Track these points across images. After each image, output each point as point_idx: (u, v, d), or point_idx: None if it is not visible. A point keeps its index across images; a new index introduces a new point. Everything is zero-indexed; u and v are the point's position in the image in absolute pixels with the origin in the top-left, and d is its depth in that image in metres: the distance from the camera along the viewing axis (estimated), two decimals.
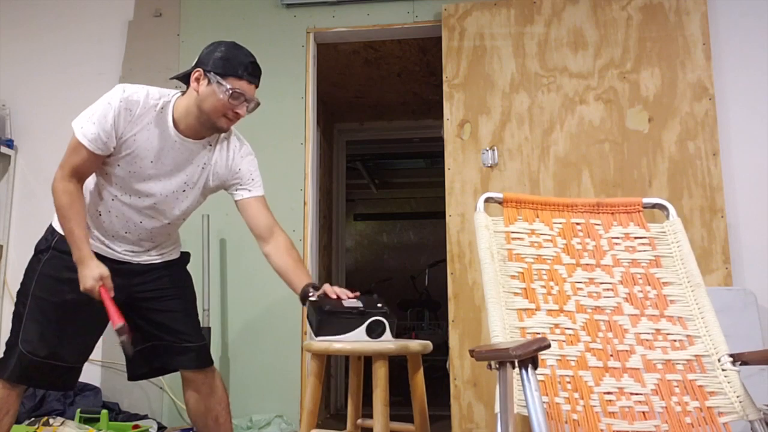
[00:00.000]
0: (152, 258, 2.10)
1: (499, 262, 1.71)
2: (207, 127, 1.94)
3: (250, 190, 2.08)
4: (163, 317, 2.07)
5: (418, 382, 2.08)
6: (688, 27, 3.09)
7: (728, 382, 1.55)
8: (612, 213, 1.84)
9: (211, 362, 2.16)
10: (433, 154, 6.38)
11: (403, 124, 5.31)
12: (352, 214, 8.42)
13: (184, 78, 1.96)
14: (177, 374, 2.16)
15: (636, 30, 3.13)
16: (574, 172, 3.06)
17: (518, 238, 1.76)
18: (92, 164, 1.91)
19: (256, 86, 1.92)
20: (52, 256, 1.98)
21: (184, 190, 2.01)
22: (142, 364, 2.12)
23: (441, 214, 3.32)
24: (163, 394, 3.15)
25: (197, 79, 1.89)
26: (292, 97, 3.39)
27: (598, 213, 1.84)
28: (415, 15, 3.39)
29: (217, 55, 1.88)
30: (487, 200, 1.79)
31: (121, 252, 2.04)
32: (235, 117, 1.92)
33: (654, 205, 1.84)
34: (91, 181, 1.99)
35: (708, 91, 3.02)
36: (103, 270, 1.88)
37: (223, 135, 2.04)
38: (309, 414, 1.99)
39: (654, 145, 3.02)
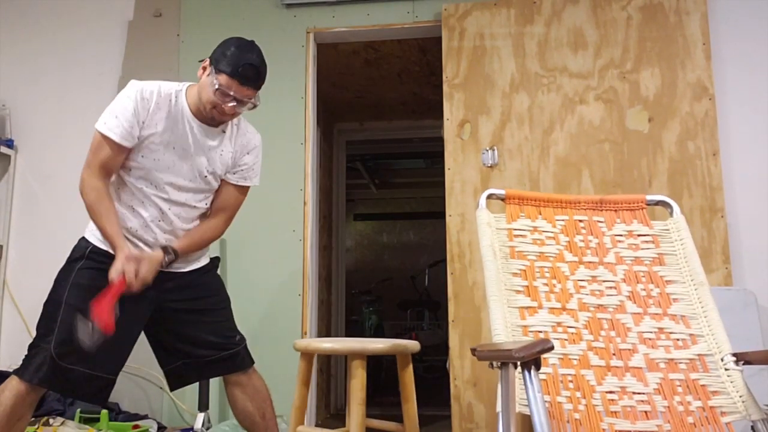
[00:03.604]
0: (183, 265, 2.10)
1: (501, 260, 1.70)
2: (207, 116, 2.01)
3: (242, 180, 2.16)
4: (195, 330, 2.08)
5: (407, 380, 2.10)
6: (688, 27, 3.09)
7: (731, 382, 1.54)
8: (615, 210, 1.84)
9: (251, 363, 2.19)
10: (433, 154, 6.37)
11: (403, 124, 5.30)
12: (352, 214, 8.41)
13: None
14: None
15: (636, 30, 3.13)
16: (574, 172, 3.05)
17: (520, 236, 1.75)
18: (118, 157, 1.97)
19: (253, 88, 1.96)
20: (87, 265, 1.99)
21: (205, 176, 2.07)
22: (178, 381, 2.14)
23: (441, 214, 3.32)
24: (163, 394, 3.15)
25: (203, 68, 1.99)
26: (292, 97, 3.38)
27: (601, 210, 1.83)
28: (415, 15, 3.39)
29: (223, 50, 1.95)
30: (490, 197, 1.78)
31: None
32: (222, 113, 1.98)
33: (657, 202, 1.83)
34: (118, 180, 2.04)
35: (708, 91, 3.02)
36: (127, 266, 1.88)
37: (234, 122, 2.11)
38: (296, 410, 2.05)
39: (654, 145, 3.02)
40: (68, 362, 1.90)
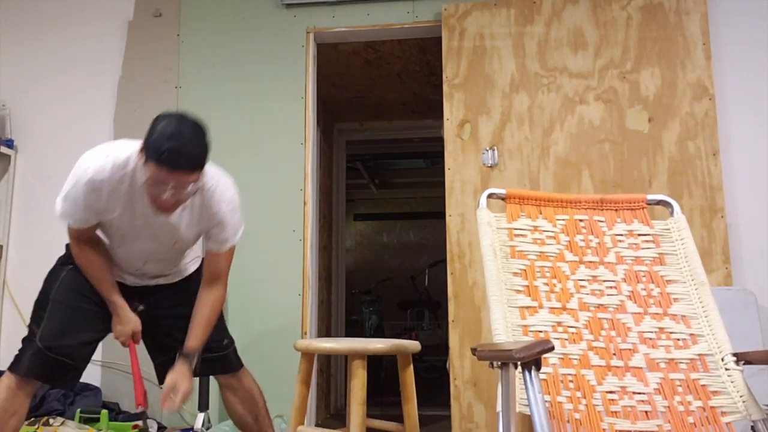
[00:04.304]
0: (169, 279, 2.15)
1: (502, 259, 1.70)
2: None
3: (218, 246, 2.02)
4: (183, 334, 2.08)
5: (408, 380, 2.10)
6: (688, 27, 3.09)
7: (731, 382, 1.54)
8: (616, 210, 1.84)
9: (239, 367, 2.21)
10: (433, 154, 6.38)
11: (403, 124, 5.30)
12: (352, 214, 8.41)
13: None
14: None
15: (636, 30, 3.13)
16: (574, 172, 3.05)
17: (521, 235, 1.75)
18: (87, 230, 1.96)
19: (187, 172, 1.71)
20: (76, 269, 2.04)
21: (174, 243, 2.04)
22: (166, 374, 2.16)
23: (441, 214, 3.32)
24: None
25: (140, 152, 1.77)
26: (292, 97, 3.38)
27: (602, 209, 1.83)
28: (415, 15, 3.39)
29: (150, 133, 1.72)
30: (490, 196, 1.78)
31: (137, 280, 2.11)
32: (163, 206, 1.79)
33: (658, 202, 1.84)
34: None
35: (708, 91, 3.02)
36: (135, 325, 2.02)
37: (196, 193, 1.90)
38: (296, 410, 2.07)
39: (654, 145, 3.02)
40: (54, 353, 1.95)
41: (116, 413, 3.04)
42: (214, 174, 1.93)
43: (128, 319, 2.01)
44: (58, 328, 1.97)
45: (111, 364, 3.18)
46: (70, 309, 2.00)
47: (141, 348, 2.18)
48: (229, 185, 1.98)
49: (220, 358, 2.15)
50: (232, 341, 2.22)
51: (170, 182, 1.71)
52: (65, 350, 1.97)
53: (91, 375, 3.13)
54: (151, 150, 1.68)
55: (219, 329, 2.18)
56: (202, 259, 2.24)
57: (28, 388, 1.97)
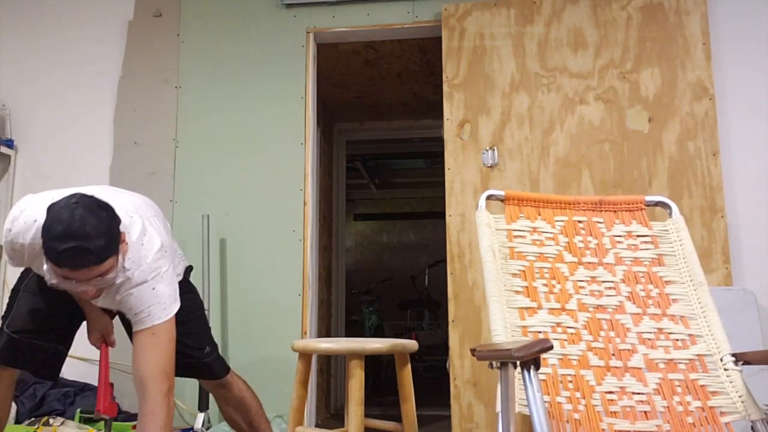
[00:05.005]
0: None
1: (501, 260, 1.70)
2: None
3: (140, 324, 1.78)
4: None
5: (406, 379, 2.10)
6: (688, 27, 3.09)
7: (730, 382, 1.54)
8: (614, 211, 1.84)
9: (224, 374, 2.18)
10: (433, 154, 6.38)
11: (403, 124, 5.31)
12: (352, 214, 8.41)
13: None
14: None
15: (636, 30, 3.13)
16: (574, 172, 3.05)
17: (520, 236, 1.76)
18: None
19: (93, 265, 1.58)
20: None
21: (103, 309, 2.01)
22: None
23: (441, 214, 3.32)
24: None
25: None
26: (292, 97, 3.38)
27: (601, 211, 1.84)
28: (415, 15, 3.39)
29: (43, 234, 1.59)
30: (489, 198, 1.78)
31: None
32: (82, 296, 1.71)
33: (656, 203, 1.84)
34: None
35: (708, 91, 3.02)
36: (105, 328, 2.01)
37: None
38: (294, 411, 2.07)
39: (654, 145, 3.02)
40: (22, 337, 1.95)
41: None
42: (135, 254, 1.75)
43: (96, 320, 2.00)
44: (25, 313, 1.97)
45: (111, 365, 3.17)
46: (38, 297, 1.98)
47: (116, 351, 2.18)
48: (146, 272, 1.77)
49: (201, 365, 2.10)
50: (214, 348, 2.15)
51: (79, 278, 1.60)
52: (33, 334, 1.95)
53: (91, 375, 3.13)
54: (49, 254, 1.57)
55: (200, 336, 2.12)
56: (187, 268, 2.18)
57: (6, 378, 1.97)
